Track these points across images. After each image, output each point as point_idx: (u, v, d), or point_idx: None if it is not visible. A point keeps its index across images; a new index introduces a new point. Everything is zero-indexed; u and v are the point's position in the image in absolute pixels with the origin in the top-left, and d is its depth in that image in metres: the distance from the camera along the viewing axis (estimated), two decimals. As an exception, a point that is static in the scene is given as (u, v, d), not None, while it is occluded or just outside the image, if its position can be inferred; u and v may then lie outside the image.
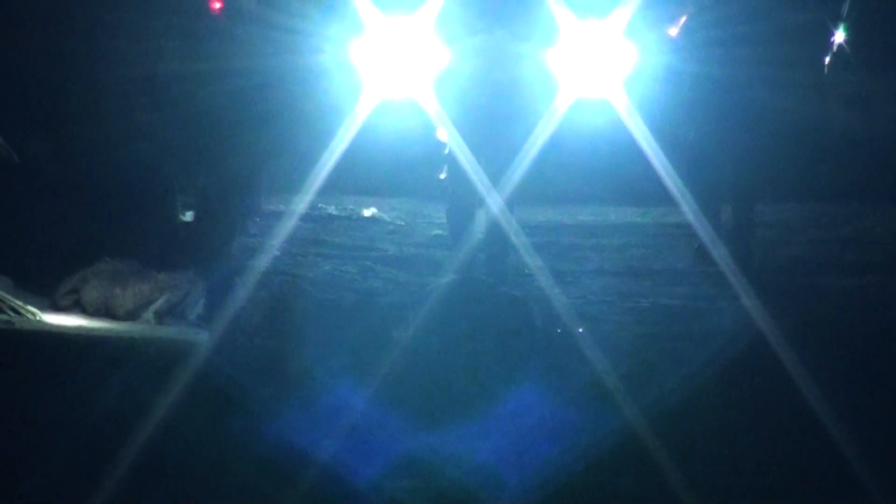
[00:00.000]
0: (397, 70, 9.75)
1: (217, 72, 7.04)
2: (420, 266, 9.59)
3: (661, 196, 9.57)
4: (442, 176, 9.08)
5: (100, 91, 6.67)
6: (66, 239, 8.35)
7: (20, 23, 7.81)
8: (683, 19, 9.56)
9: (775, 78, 9.10)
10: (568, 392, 6.64)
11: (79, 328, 7.47)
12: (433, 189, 9.52)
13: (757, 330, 7.66)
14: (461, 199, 8.96)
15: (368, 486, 5.51)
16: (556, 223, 11.14)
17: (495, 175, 8.69)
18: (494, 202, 8.69)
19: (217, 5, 9.25)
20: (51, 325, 7.82)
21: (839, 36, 10.31)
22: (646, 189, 10.24)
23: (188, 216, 8.88)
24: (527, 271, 9.04)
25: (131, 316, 8.04)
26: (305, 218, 10.41)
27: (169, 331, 7.84)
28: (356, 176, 10.93)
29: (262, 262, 8.78)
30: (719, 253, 8.98)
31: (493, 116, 8.75)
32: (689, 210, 9.26)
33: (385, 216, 11.19)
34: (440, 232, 10.52)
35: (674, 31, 9.73)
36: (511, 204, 8.89)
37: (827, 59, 9.96)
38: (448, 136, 8.82)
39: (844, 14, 10.30)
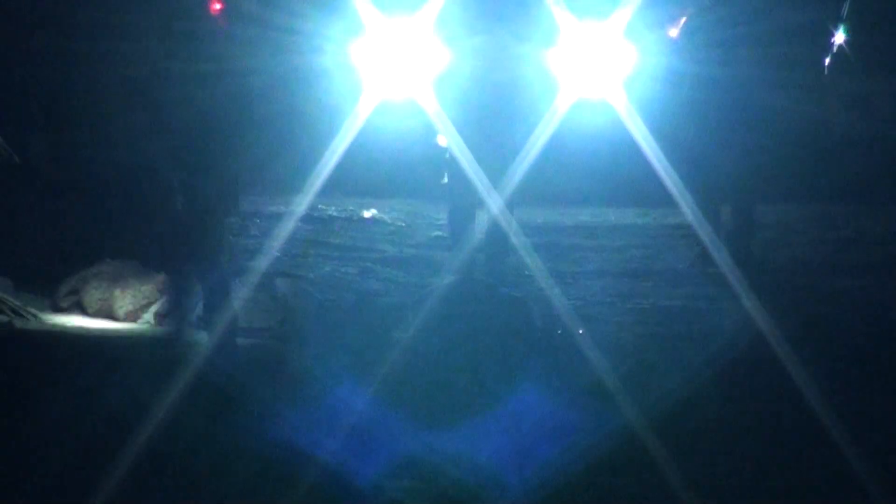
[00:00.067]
0: (397, 71, 9.75)
1: (217, 73, 7.03)
2: (420, 267, 9.59)
3: (661, 197, 9.56)
4: (444, 181, 9.08)
5: (100, 91, 6.67)
6: (67, 240, 8.36)
7: (20, 23, 7.82)
8: (683, 20, 9.56)
9: (775, 79, 9.10)
10: (568, 392, 6.64)
11: (79, 329, 7.48)
12: (433, 190, 9.52)
13: (757, 330, 7.66)
14: (462, 200, 8.96)
15: (369, 487, 5.50)
16: (556, 224, 11.14)
17: (495, 176, 8.69)
18: (494, 203, 8.69)
19: (217, 6, 9.25)
20: (51, 326, 7.83)
21: (839, 37, 10.32)
22: (646, 190, 10.23)
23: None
24: (527, 272, 9.03)
25: (131, 317, 8.06)
26: (305, 219, 10.41)
27: (169, 331, 7.85)
28: (356, 177, 10.93)
29: (263, 262, 8.78)
30: (719, 254, 8.97)
31: (494, 117, 8.74)
32: (688, 211, 9.25)
33: (385, 217, 11.19)
34: (440, 233, 10.53)
35: (673, 32, 9.73)
36: (511, 204, 8.89)
37: (827, 60, 9.97)
38: (448, 139, 8.82)
39: (844, 15, 10.30)
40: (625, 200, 11.53)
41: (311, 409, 6.24)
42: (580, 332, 7.80)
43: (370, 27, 9.80)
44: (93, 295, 8.15)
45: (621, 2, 9.80)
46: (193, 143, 7.03)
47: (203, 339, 7.21)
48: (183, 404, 6.15)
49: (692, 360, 7.30)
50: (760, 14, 9.11)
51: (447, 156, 8.94)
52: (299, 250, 9.76)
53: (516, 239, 8.96)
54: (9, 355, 7.11)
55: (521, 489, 5.54)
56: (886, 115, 11.82)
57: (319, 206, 10.93)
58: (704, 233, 9.16)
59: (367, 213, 11.27)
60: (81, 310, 8.16)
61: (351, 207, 11.36)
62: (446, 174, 9.05)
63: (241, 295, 7.93)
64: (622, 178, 10.96)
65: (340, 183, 10.23)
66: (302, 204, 9.99)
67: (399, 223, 11.08)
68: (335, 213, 11.18)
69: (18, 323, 7.75)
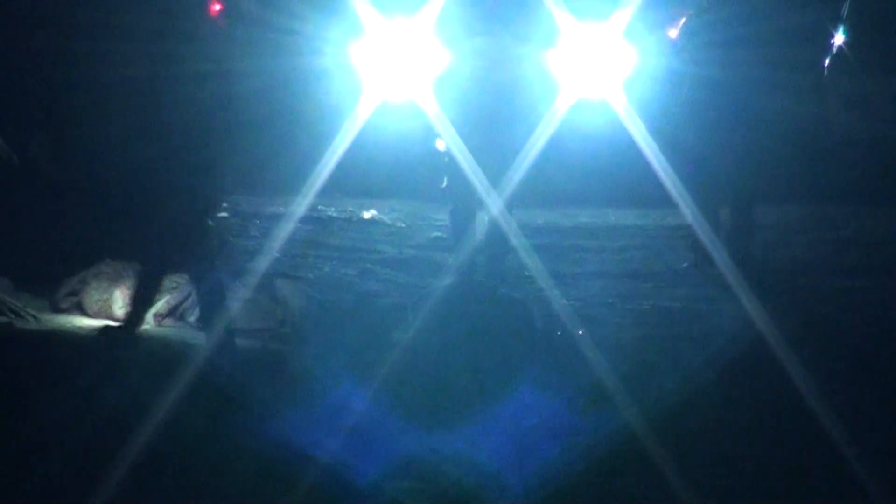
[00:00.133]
0: (397, 72, 9.76)
1: (217, 74, 7.03)
2: (419, 268, 9.60)
3: (661, 198, 9.56)
4: (443, 185, 9.09)
5: (100, 92, 6.66)
6: (66, 240, 8.36)
7: (20, 23, 7.82)
8: (683, 21, 9.56)
9: (775, 80, 9.10)
10: (568, 393, 6.64)
11: (79, 330, 7.47)
12: (433, 191, 9.52)
13: (757, 331, 7.66)
14: (463, 201, 8.96)
15: (369, 487, 5.50)
16: (556, 225, 11.14)
17: (495, 176, 8.69)
18: (494, 204, 8.69)
19: (216, 7, 9.25)
20: (51, 327, 7.83)
21: (839, 38, 10.32)
22: (646, 191, 10.24)
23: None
24: (527, 273, 9.04)
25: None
26: (305, 220, 10.41)
27: (168, 332, 7.85)
28: (356, 178, 10.94)
29: (262, 263, 8.78)
30: (719, 254, 8.97)
31: (494, 118, 8.74)
32: (688, 212, 9.25)
33: (385, 218, 11.19)
34: (440, 234, 10.53)
35: (673, 33, 9.74)
36: (511, 205, 8.89)
37: (826, 61, 9.98)
38: (448, 140, 8.82)
39: (844, 16, 10.31)
40: (625, 201, 11.53)
41: (310, 410, 6.24)
42: (580, 332, 7.80)
43: (370, 28, 9.81)
44: (93, 295, 8.15)
45: (621, 3, 9.81)
46: (192, 144, 7.02)
47: (201, 340, 7.21)
48: (183, 404, 6.15)
49: (692, 360, 7.31)
50: (760, 15, 9.11)
51: (445, 160, 8.95)
52: (299, 251, 9.76)
53: (516, 240, 8.96)
54: (9, 356, 7.10)
55: (521, 489, 5.54)
56: (886, 116, 11.82)
57: (319, 206, 10.93)
58: (704, 233, 9.16)
59: (366, 214, 11.27)
60: (81, 310, 8.16)
61: (351, 208, 11.36)
62: (445, 178, 9.06)
63: (240, 295, 7.93)
64: (622, 178, 10.97)
65: (340, 184, 10.24)
66: (302, 205, 10.00)
67: (399, 224, 11.08)
68: (335, 214, 11.18)
69: (18, 324, 7.75)
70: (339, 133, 9.68)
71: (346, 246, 10.28)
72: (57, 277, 8.24)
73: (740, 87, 9.06)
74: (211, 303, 7.21)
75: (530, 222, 10.45)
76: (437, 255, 9.93)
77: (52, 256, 8.31)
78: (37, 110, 6.94)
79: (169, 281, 7.93)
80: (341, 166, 9.65)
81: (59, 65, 6.74)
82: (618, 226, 11.28)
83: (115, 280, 8.20)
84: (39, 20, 7.11)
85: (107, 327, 7.43)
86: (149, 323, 7.90)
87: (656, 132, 9.45)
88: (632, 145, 9.57)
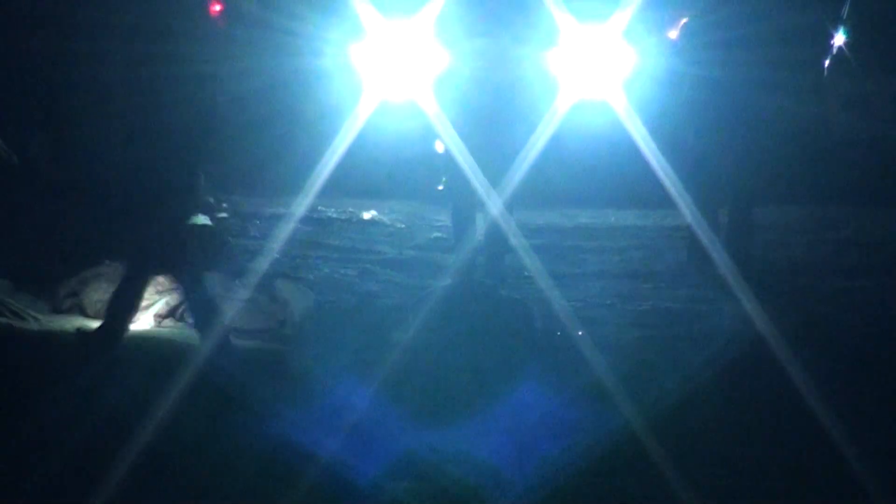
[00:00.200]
0: (397, 73, 9.77)
1: (217, 74, 7.03)
2: (419, 269, 9.60)
3: (661, 198, 9.57)
4: (440, 187, 9.09)
5: (100, 92, 6.66)
6: (66, 241, 8.35)
7: (20, 23, 7.81)
8: (683, 22, 9.57)
9: (775, 80, 9.09)
10: (568, 393, 6.64)
11: (79, 329, 7.47)
12: (433, 192, 9.53)
13: (757, 331, 7.67)
14: (464, 201, 8.96)
15: (369, 486, 5.50)
16: (556, 225, 11.15)
17: (495, 177, 8.69)
18: (495, 204, 8.69)
19: (217, 7, 9.26)
20: (51, 328, 7.82)
21: (839, 39, 10.33)
22: (645, 191, 10.25)
23: (202, 218, 8.90)
24: (527, 273, 9.04)
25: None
26: (305, 220, 10.42)
27: (168, 333, 7.85)
28: (356, 178, 10.95)
29: (262, 264, 8.78)
30: (719, 255, 8.98)
31: (494, 118, 8.74)
32: (688, 212, 9.26)
33: (384, 219, 11.19)
34: (440, 234, 10.53)
35: (673, 34, 9.74)
36: (511, 206, 8.89)
37: (826, 62, 9.98)
38: (448, 140, 8.82)
39: (844, 17, 10.32)
40: (625, 202, 11.54)
41: (311, 409, 6.24)
42: (580, 333, 7.79)
43: (370, 29, 9.82)
44: (92, 296, 8.13)
45: (621, 4, 9.82)
46: (193, 145, 7.02)
47: (202, 341, 7.20)
48: (182, 405, 6.15)
49: (692, 360, 7.31)
50: (760, 16, 9.11)
51: (444, 161, 8.96)
52: (299, 252, 9.76)
53: (516, 240, 8.96)
54: (9, 357, 7.10)
55: (521, 489, 5.54)
56: (886, 116, 11.83)
57: (319, 207, 10.94)
58: (704, 234, 9.16)
59: (366, 215, 11.27)
60: (81, 311, 8.15)
61: (350, 209, 11.36)
62: (443, 180, 9.06)
63: (240, 296, 7.94)
64: (622, 179, 10.98)
65: (340, 184, 10.24)
66: (301, 205, 10.01)
67: (398, 225, 11.08)
68: (335, 215, 11.19)
69: (18, 324, 7.74)
70: (339, 133, 9.70)
71: (345, 246, 10.28)
72: (57, 278, 8.23)
73: (740, 88, 9.06)
74: (199, 304, 7.19)
75: (530, 223, 10.46)
76: (437, 255, 9.93)
77: (52, 257, 8.30)
78: (37, 110, 6.94)
79: (169, 282, 7.93)
80: (341, 167, 9.66)
81: (59, 65, 6.74)
82: (618, 226, 11.28)
83: (114, 281, 8.18)
84: (39, 20, 7.11)
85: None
86: (149, 324, 7.90)
87: (656, 133, 9.46)
88: (632, 146, 9.58)
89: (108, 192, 6.77)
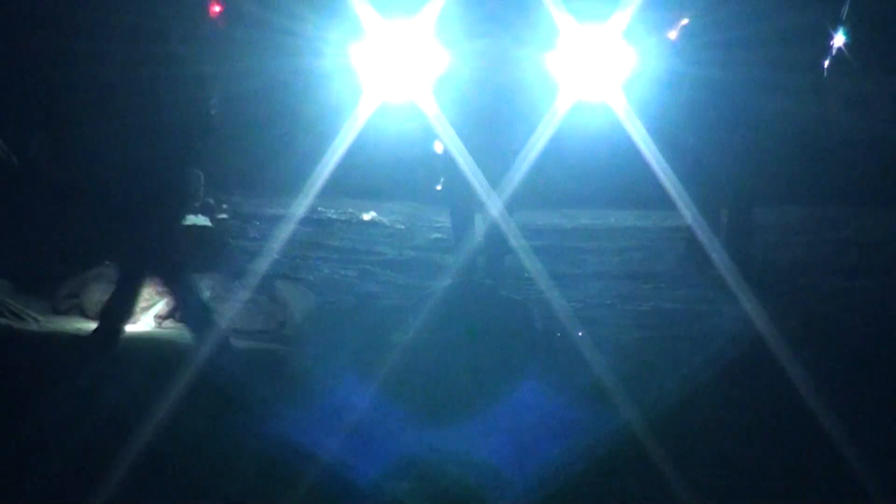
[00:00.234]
0: (397, 73, 9.77)
1: (217, 75, 7.03)
2: (419, 269, 9.60)
3: (661, 199, 9.57)
4: (438, 187, 9.09)
5: (100, 92, 6.65)
6: (66, 241, 8.34)
7: (20, 23, 7.81)
8: (683, 23, 9.57)
9: (775, 81, 9.11)
10: (568, 393, 6.64)
11: (78, 331, 7.47)
12: (432, 192, 9.54)
13: (757, 331, 7.66)
14: (463, 202, 8.97)
15: (369, 487, 5.50)
16: (556, 226, 11.15)
17: (495, 178, 8.70)
18: (494, 205, 8.69)
19: (217, 8, 9.26)
20: (51, 329, 7.82)
21: (838, 39, 10.33)
22: (645, 192, 10.25)
23: (202, 219, 8.90)
24: (526, 274, 9.04)
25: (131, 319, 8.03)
26: (305, 221, 10.42)
27: (169, 334, 7.85)
28: (356, 179, 10.96)
29: (262, 265, 8.78)
30: (719, 255, 8.98)
31: (493, 119, 8.75)
32: (688, 213, 9.26)
33: (384, 220, 11.20)
34: (439, 235, 10.54)
35: (673, 35, 9.74)
36: (511, 207, 8.89)
37: (826, 62, 9.98)
38: (448, 141, 8.83)
39: (844, 17, 10.32)
40: (624, 203, 11.55)
41: (311, 409, 6.24)
42: (580, 333, 7.79)
43: (370, 30, 9.82)
44: (92, 297, 8.13)
45: (621, 4, 9.81)
46: (193, 146, 7.02)
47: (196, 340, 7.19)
48: (183, 405, 6.14)
49: (692, 361, 7.30)
50: (760, 16, 9.12)
51: (443, 162, 8.96)
52: (299, 252, 9.76)
53: (516, 241, 8.96)
54: (9, 358, 7.10)
55: (521, 489, 5.53)
56: (886, 116, 11.84)
57: (319, 208, 10.95)
58: (704, 234, 9.16)
59: (366, 216, 11.27)
60: (81, 312, 8.15)
61: (350, 210, 11.36)
62: (442, 180, 9.06)
63: (240, 297, 7.94)
64: (622, 180, 10.99)
65: (340, 185, 10.25)
66: (301, 206, 10.01)
67: (398, 225, 11.09)
68: (334, 216, 11.19)
69: (18, 325, 7.74)
70: (339, 134, 9.70)
71: (345, 247, 10.29)
72: (57, 279, 8.23)
73: (740, 88, 9.07)
74: (193, 308, 7.17)
75: (530, 223, 10.46)
76: (436, 256, 9.94)
77: (52, 257, 8.30)
78: (37, 110, 6.93)
79: (167, 283, 7.92)
80: (341, 167, 9.66)
81: (59, 65, 6.72)
82: (618, 227, 11.28)
83: (114, 282, 8.19)
84: (39, 20, 7.10)
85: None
86: (149, 325, 7.91)
87: (656, 133, 9.46)
88: (631, 147, 9.57)
89: (108, 192, 6.76)
